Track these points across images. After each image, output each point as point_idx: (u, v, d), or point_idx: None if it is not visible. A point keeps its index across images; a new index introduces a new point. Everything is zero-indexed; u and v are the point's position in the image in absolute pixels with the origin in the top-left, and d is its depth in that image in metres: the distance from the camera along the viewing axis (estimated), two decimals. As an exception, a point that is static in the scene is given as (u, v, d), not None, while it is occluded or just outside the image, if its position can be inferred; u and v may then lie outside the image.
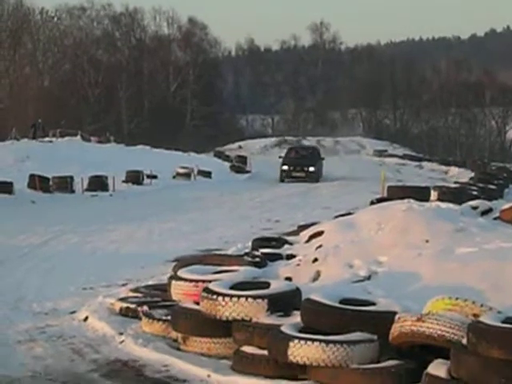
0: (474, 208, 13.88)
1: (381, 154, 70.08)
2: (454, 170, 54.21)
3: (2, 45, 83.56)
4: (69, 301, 12.48)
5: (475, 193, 23.66)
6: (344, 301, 8.61)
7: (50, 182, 33.28)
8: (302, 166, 45.75)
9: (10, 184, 30.66)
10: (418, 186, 23.39)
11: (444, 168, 57.35)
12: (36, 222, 22.75)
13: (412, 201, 13.10)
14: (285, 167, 46.18)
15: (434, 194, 20.40)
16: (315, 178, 45.08)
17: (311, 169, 45.57)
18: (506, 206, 13.24)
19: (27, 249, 18.21)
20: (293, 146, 56.13)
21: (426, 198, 17.47)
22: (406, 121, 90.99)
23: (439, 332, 7.72)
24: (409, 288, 9.17)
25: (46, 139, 52.53)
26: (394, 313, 8.25)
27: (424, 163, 61.43)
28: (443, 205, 13.78)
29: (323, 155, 52.53)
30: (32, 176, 33.01)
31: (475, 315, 7.87)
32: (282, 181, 45.10)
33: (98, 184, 35.02)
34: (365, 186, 30.32)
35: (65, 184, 33.85)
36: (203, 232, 21.45)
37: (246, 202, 32.22)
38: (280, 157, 50.55)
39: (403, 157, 67.57)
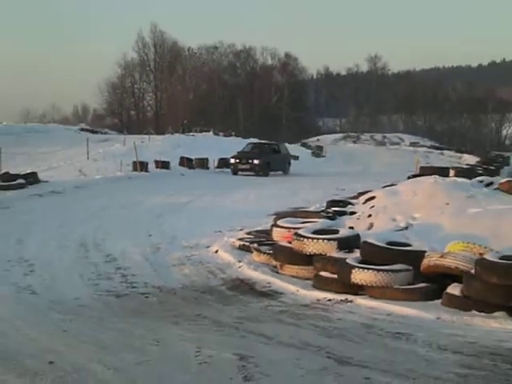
0: (480, 181, 13.40)
1: (414, 145, 68.72)
2: (465, 156, 52.62)
3: (163, 71, 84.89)
4: (206, 239, 12.62)
5: (480, 171, 23.02)
6: (389, 243, 8.52)
7: (193, 162, 33.58)
8: (248, 159, 32.04)
9: (168, 163, 31.13)
10: (440, 167, 22.73)
11: (459, 155, 55.75)
12: (184, 188, 23.04)
13: (437, 176, 12.83)
14: (232, 160, 32.64)
15: (451, 172, 19.86)
16: (260, 170, 31.54)
17: (255, 161, 31.67)
18: (502, 181, 12.87)
19: (178, 205, 18.45)
20: (253, 142, 38.62)
21: (446, 175, 17.03)
22: (433, 122, 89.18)
23: (455, 265, 7.62)
24: (434, 235, 8.98)
25: (190, 134, 53.07)
26: (424, 251, 8.15)
27: (445, 151, 59.84)
28: (458, 179, 13.48)
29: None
30: (182, 158, 33.42)
31: (481, 254, 7.78)
32: (234, 173, 31.89)
33: (224, 163, 35.16)
34: (404, 167, 29.73)
35: (202, 163, 34.11)
36: (292, 196, 21.37)
37: (322, 176, 32.01)
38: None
39: (430, 147, 66.08)
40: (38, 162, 28.25)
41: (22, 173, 21.67)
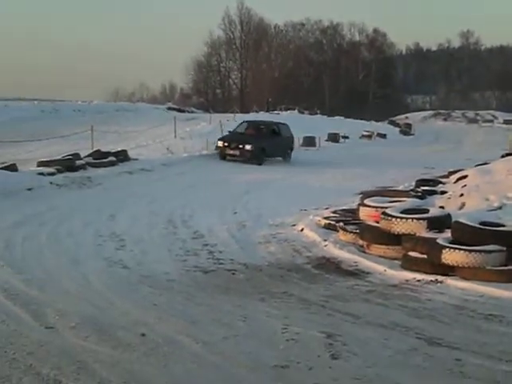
0: None
1: (508, 122, 66.25)
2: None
3: (249, 49, 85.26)
4: (291, 217, 12.64)
5: None
6: (482, 223, 8.30)
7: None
8: (238, 143, 25.19)
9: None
10: (536, 145, 21.99)
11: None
12: (270, 167, 23.13)
13: (533, 154, 12.38)
14: (219, 143, 25.76)
15: (547, 151, 19.18)
16: (252, 158, 24.93)
17: (247, 147, 24.85)
18: None
19: (264, 183, 18.57)
20: (249, 121, 30.25)
21: (543, 153, 16.43)
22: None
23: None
24: (530, 215, 8.69)
25: (275, 112, 53.18)
26: (519, 232, 7.90)
27: (541, 129, 57.50)
28: (556, 157, 12.97)
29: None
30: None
31: None
32: (222, 158, 25.39)
33: (309, 142, 35.11)
34: (497, 145, 28.81)
35: (288, 142, 34.14)
36: (380, 175, 21.13)
37: (410, 155, 31.42)
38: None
39: (526, 124, 63.57)
40: (128, 141, 28.98)
41: (113, 150, 22.27)
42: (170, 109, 55.05)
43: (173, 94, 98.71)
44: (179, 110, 54.80)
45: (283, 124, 28.70)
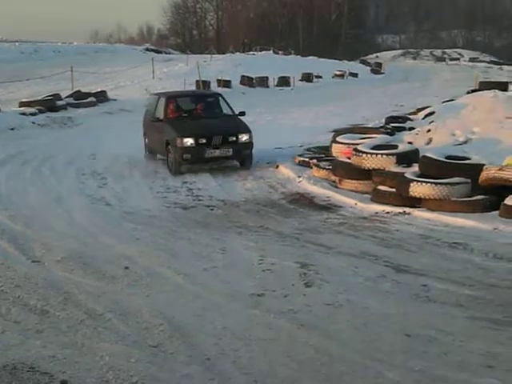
0: (541, 95, 12.83)
1: (474, 60, 66.14)
2: (525, 70, 50.44)
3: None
4: (267, 156, 12.57)
5: (542, 85, 22.22)
6: (448, 157, 8.37)
7: (253, 80, 33.30)
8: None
9: (229, 81, 30.97)
10: (500, 81, 21.93)
11: (518, 69, 53.44)
12: (247, 106, 22.93)
13: (496, 91, 12.36)
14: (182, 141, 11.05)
15: (510, 87, 19.20)
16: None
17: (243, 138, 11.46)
18: None
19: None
20: (177, 92, 14.75)
21: (505, 89, 16.44)
22: (492, 38, 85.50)
23: (514, 177, 7.47)
24: (493, 149, 8.74)
25: (251, 53, 52.43)
26: (483, 165, 7.97)
27: (504, 66, 57.30)
28: (518, 93, 13.01)
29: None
30: (242, 76, 33.17)
31: (539, 166, 7.57)
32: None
33: (284, 82, 34.76)
34: (463, 83, 28.72)
35: (262, 81, 33.79)
36: (351, 113, 21.06)
37: (381, 93, 31.30)
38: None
39: (490, 62, 63.44)
40: (107, 81, 28.50)
41: (93, 91, 21.94)
42: (147, 50, 53.96)
43: (150, 35, 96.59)
44: (157, 51, 53.75)
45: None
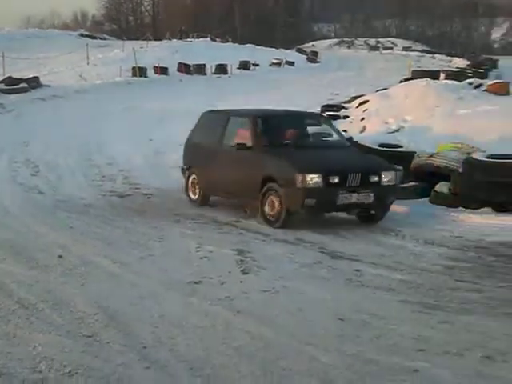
0: (470, 84, 13.26)
1: (407, 49, 67.47)
2: (455, 59, 51.63)
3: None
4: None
5: (470, 74, 22.86)
6: (381, 145, 8.54)
7: (191, 68, 32.98)
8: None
9: (166, 69, 30.64)
10: (432, 70, 22.52)
11: (449, 58, 54.70)
12: (183, 93, 22.74)
13: (428, 79, 12.69)
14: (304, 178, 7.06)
15: (442, 75, 19.69)
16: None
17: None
18: (491, 83, 12.80)
19: (176, 111, 18.10)
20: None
21: (437, 78, 16.91)
22: (425, 27, 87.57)
23: (444, 164, 7.70)
24: (425, 136, 9.00)
25: (188, 40, 51.94)
26: (414, 152, 8.18)
27: (436, 55, 58.68)
28: (449, 82, 13.40)
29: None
30: (180, 63, 32.80)
31: (468, 153, 7.82)
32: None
33: (221, 69, 34.59)
34: (397, 71, 29.22)
35: (200, 69, 33.49)
36: (288, 100, 21.11)
37: (317, 82, 31.52)
38: None
39: (422, 51, 64.84)
40: (40, 67, 27.70)
41: (25, 77, 21.32)
42: (82, 35, 52.73)
43: (84, 21, 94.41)
44: (91, 37, 52.59)
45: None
